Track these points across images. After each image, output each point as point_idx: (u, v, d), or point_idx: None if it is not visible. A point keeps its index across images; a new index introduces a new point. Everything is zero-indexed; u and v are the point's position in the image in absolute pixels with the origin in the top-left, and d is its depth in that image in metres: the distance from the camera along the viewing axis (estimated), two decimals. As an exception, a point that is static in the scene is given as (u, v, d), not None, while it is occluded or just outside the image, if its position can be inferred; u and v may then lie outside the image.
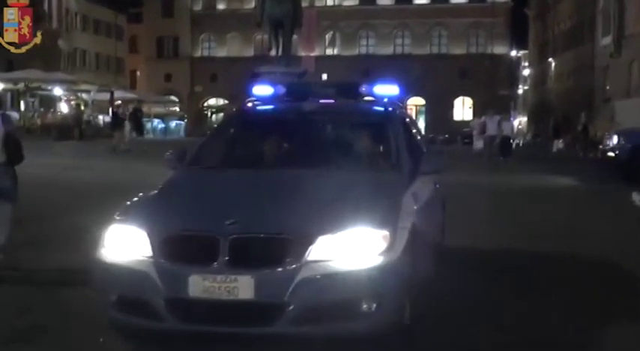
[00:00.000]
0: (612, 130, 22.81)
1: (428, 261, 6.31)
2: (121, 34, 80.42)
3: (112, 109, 39.64)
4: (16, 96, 45.50)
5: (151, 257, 5.14)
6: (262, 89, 7.49)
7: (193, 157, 6.89)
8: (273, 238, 5.07)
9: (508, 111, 59.53)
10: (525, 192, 17.67)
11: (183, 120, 64.26)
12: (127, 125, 33.05)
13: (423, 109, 77.16)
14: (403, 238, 5.23)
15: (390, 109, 7.42)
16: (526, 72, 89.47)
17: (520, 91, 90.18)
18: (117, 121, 32.37)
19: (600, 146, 21.95)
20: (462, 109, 77.61)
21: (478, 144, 32.68)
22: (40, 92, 46.90)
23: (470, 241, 9.54)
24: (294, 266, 4.94)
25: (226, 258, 4.98)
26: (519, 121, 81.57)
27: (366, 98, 7.63)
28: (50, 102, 48.71)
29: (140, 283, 5.11)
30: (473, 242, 9.60)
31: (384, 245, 5.07)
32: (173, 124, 60.06)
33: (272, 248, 5.03)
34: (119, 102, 42.08)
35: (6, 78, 41.41)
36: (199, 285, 4.99)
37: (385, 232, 5.12)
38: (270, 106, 7.60)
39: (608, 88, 50.91)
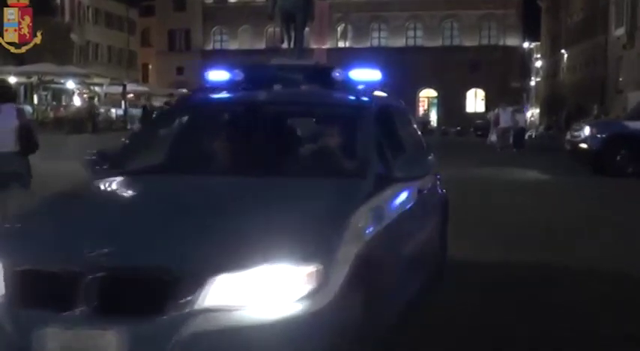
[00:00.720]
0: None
1: (395, 299, 5.04)
2: (132, 28, 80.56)
3: (143, 105, 45.74)
4: (29, 89, 45.63)
5: (3, 297, 3.82)
6: (217, 74, 6.13)
7: (115, 158, 5.60)
8: (154, 274, 3.66)
9: (521, 103, 59.33)
10: (530, 186, 17.46)
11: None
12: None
13: (435, 101, 77.10)
14: (342, 274, 3.85)
15: (362, 98, 5.84)
16: (538, 64, 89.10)
17: (532, 83, 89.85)
18: (146, 115, 32.82)
19: (568, 138, 21.70)
20: (475, 101, 77.45)
21: (492, 136, 32.64)
22: (53, 86, 47.10)
23: (472, 252, 8.56)
24: (181, 315, 3.56)
25: (90, 303, 3.62)
26: (532, 113, 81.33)
27: (358, 86, 6.13)
28: (63, 95, 48.89)
29: None
30: (476, 253, 8.60)
31: (309, 286, 3.69)
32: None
33: (152, 289, 3.62)
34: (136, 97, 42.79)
35: (19, 71, 41.47)
36: (54, 341, 3.64)
37: (311, 269, 3.72)
38: (216, 96, 6.21)
39: (620, 79, 50.64)
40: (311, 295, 3.69)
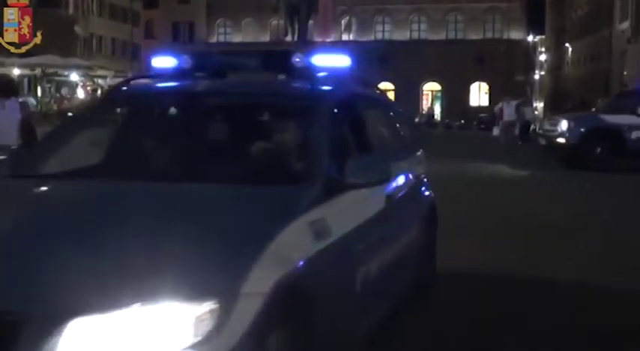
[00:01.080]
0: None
1: (352, 330, 4.28)
2: (136, 20, 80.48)
3: None
4: (33, 81, 45.67)
5: None
6: (162, 61, 5.25)
7: (31, 158, 4.92)
8: None
9: (525, 96, 59.31)
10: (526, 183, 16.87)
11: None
12: None
13: (439, 94, 77.06)
14: (252, 311, 2.98)
15: (317, 89, 4.87)
16: (543, 57, 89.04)
17: (536, 77, 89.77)
18: None
19: (540, 131, 21.34)
20: (478, 94, 77.39)
21: (495, 130, 32.59)
22: (57, 78, 47.12)
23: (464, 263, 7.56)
24: None
25: None
26: (535, 107, 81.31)
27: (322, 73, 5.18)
28: (67, 87, 48.91)
29: None
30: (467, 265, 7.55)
31: (201, 331, 2.84)
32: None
33: None
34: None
35: (23, 63, 41.45)
36: None
37: (204, 308, 2.86)
38: (148, 87, 5.49)
39: (625, 73, 50.56)
40: (204, 342, 2.83)
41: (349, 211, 4.26)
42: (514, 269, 7.55)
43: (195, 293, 2.87)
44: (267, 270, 3.16)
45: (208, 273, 2.98)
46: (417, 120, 50.21)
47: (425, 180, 6.63)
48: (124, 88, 5.50)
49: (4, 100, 8.53)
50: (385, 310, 5.00)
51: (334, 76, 5.14)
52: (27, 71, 43.80)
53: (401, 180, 5.44)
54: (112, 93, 6.09)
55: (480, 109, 69.66)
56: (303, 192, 3.94)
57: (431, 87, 77.43)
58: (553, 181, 16.71)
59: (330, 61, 5.20)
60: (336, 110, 4.73)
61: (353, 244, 4.16)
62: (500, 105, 32.31)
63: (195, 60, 5.22)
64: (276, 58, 5.41)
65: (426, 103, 76.26)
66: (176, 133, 5.14)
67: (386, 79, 75.12)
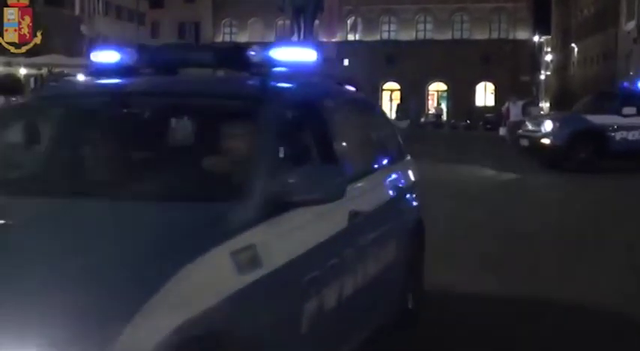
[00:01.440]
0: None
1: None
2: (142, 20, 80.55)
3: None
4: (39, 81, 45.78)
5: None
6: (104, 56, 4.59)
7: None
8: None
9: (531, 96, 59.22)
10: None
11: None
12: None
13: (445, 94, 77.00)
14: None
15: (268, 87, 4.10)
16: (548, 57, 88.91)
17: (542, 77, 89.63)
18: None
19: (521, 132, 20.78)
20: (484, 94, 77.28)
21: (502, 130, 32.59)
22: (63, 77, 47.26)
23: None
24: None
25: None
26: (542, 107, 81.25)
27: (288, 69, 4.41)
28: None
29: None
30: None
31: None
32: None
33: None
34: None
35: (29, 63, 41.54)
36: None
37: None
38: (70, 86, 4.81)
39: (631, 74, 50.48)
40: None
41: (295, 234, 3.47)
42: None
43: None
44: (159, 318, 2.49)
45: (72, 332, 2.31)
46: (422, 120, 50.24)
47: (411, 190, 5.74)
48: (53, 86, 4.49)
49: (11, 99, 8.57)
50: (351, 349, 4.25)
51: (296, 72, 4.37)
52: (33, 71, 43.89)
53: (375, 191, 4.75)
54: (38, 91, 5.20)
55: (485, 109, 69.57)
56: (231, 212, 3.16)
57: (437, 87, 77.35)
58: (551, 186, 16.42)
59: (294, 55, 4.36)
60: (287, 112, 4.02)
61: (298, 274, 3.41)
62: (506, 105, 32.32)
63: (142, 55, 4.56)
64: (230, 52, 4.75)
65: (432, 103, 76.21)
66: (90, 139, 4.27)
67: (392, 79, 75.22)
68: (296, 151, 3.98)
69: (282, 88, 4.21)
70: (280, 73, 4.28)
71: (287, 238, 3.37)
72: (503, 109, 34.60)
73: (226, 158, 3.80)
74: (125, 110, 4.39)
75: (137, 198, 3.34)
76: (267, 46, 4.36)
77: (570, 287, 6.97)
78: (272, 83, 4.15)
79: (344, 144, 4.62)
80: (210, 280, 2.81)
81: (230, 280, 2.90)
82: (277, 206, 3.32)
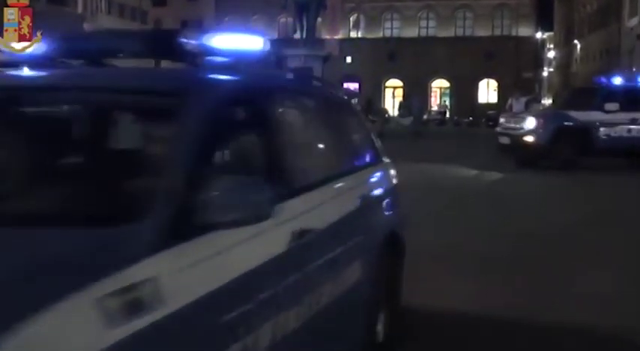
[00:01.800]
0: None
1: None
2: (145, 18, 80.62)
3: None
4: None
5: None
6: (32, 47, 3.98)
7: None
8: None
9: (534, 93, 59.21)
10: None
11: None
12: None
13: (448, 91, 77.02)
14: None
15: (195, 79, 3.39)
16: (551, 54, 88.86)
17: (545, 74, 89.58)
18: None
19: (499, 129, 20.37)
20: (487, 91, 77.29)
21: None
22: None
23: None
24: None
25: None
26: (544, 104, 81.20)
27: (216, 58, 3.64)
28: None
29: None
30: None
31: None
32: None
33: None
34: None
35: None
36: None
37: None
38: None
39: (634, 70, 50.47)
40: None
41: (214, 262, 2.71)
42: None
43: None
44: None
45: None
46: (425, 117, 50.24)
47: (386, 197, 5.04)
48: None
49: None
50: None
51: (237, 62, 3.67)
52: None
53: (334, 203, 3.99)
54: None
55: (488, 105, 69.54)
56: (115, 239, 2.41)
57: (439, 84, 77.36)
58: (540, 183, 16.04)
59: (236, 42, 3.65)
60: (218, 111, 3.15)
61: (219, 311, 2.68)
62: (509, 102, 32.36)
63: (62, 43, 3.93)
64: (160, 39, 4.09)
65: (434, 100, 76.23)
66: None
67: (394, 76, 75.24)
68: (229, 159, 3.31)
69: (212, 81, 3.39)
70: (216, 63, 3.58)
71: (202, 267, 2.63)
72: (507, 106, 34.70)
73: (132, 170, 3.08)
74: (10, 108, 3.53)
75: (18, 223, 2.50)
76: (201, 32, 3.63)
77: (571, 288, 6.78)
78: (199, 75, 3.44)
79: (296, 149, 3.84)
80: (79, 326, 2.09)
81: (116, 324, 2.16)
82: (190, 229, 2.60)
